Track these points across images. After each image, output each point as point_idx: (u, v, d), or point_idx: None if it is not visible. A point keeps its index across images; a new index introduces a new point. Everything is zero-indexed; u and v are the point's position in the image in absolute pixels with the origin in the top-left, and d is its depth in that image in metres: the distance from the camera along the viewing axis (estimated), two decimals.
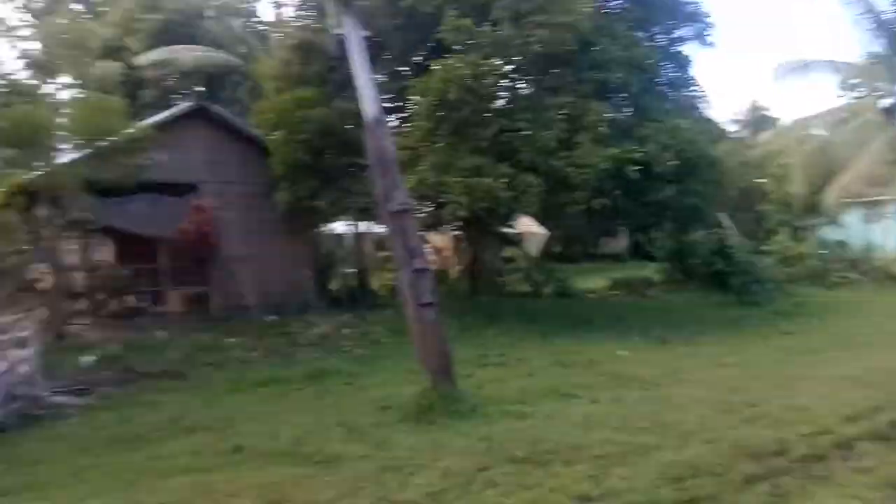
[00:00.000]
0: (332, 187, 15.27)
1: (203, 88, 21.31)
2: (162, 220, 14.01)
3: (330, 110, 14.56)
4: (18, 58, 23.75)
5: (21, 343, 8.40)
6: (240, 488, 5.27)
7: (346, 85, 10.12)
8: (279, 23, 18.70)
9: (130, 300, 15.99)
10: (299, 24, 16.26)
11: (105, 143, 11.27)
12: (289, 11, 17.51)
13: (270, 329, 14.01)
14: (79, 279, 15.00)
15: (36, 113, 10.18)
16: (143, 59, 22.10)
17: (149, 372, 10.60)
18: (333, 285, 18.43)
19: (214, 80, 24.08)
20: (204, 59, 21.18)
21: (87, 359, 11.31)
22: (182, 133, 15.20)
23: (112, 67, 20.55)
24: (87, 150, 11.38)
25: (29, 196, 12.55)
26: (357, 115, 8.69)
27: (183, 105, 16.34)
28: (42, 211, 12.52)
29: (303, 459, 6.00)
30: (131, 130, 11.48)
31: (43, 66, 21.85)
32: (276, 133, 15.20)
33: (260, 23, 29.54)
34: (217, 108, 16.59)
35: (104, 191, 12.70)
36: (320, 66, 15.27)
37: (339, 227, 20.68)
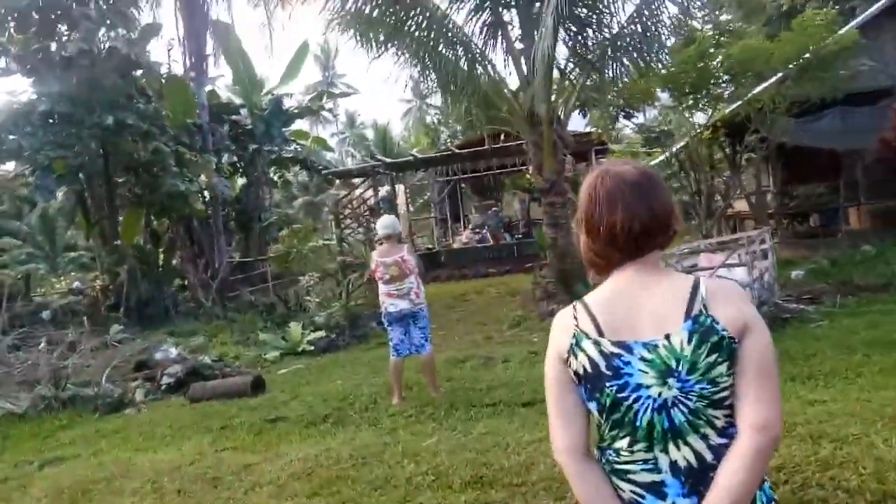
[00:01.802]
0: None
1: None
2: (855, 132, 13.26)
3: None
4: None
5: (764, 254, 9.38)
6: None
7: None
8: None
9: (813, 218, 15.96)
10: None
11: (806, 59, 11.26)
12: None
13: None
14: (768, 200, 15.72)
15: (753, 46, 10.91)
16: None
17: (867, 284, 10.45)
18: None
19: None
20: None
21: (797, 272, 11.90)
22: (880, 33, 13.74)
23: None
24: (788, 70, 11.58)
25: (727, 126, 13.73)
26: None
27: (882, 1, 14.34)
28: (741, 138, 13.51)
29: None
30: (833, 40, 11.12)
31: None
32: None
33: None
34: None
35: (797, 112, 12.82)
36: None
37: None
